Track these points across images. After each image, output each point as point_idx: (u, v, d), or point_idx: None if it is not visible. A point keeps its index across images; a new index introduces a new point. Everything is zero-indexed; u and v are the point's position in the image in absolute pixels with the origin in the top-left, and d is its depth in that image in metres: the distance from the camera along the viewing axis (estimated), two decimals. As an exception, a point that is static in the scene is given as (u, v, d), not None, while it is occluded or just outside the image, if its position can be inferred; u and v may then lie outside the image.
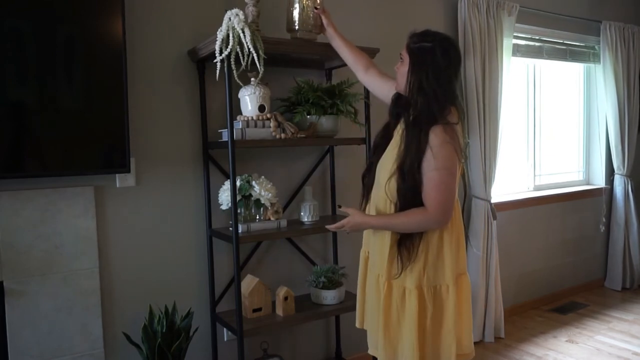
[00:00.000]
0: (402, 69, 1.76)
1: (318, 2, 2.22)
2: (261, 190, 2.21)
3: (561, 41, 3.91)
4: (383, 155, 1.81)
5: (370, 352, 1.88)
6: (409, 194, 1.68)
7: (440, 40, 1.72)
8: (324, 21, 2.22)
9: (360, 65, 2.14)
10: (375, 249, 1.84)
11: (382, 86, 2.05)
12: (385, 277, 1.76)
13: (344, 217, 1.87)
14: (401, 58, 1.78)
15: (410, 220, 1.69)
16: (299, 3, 2.19)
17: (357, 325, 1.99)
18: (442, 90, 1.69)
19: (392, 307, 1.75)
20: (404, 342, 1.73)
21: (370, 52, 2.37)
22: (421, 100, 1.68)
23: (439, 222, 1.69)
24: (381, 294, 1.76)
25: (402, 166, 1.68)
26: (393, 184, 1.71)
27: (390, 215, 1.73)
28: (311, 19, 2.20)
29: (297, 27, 2.21)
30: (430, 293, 1.73)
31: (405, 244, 1.71)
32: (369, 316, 1.88)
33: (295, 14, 2.20)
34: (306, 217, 2.42)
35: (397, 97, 1.86)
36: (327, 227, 1.90)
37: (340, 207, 1.96)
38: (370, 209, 1.86)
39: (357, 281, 1.99)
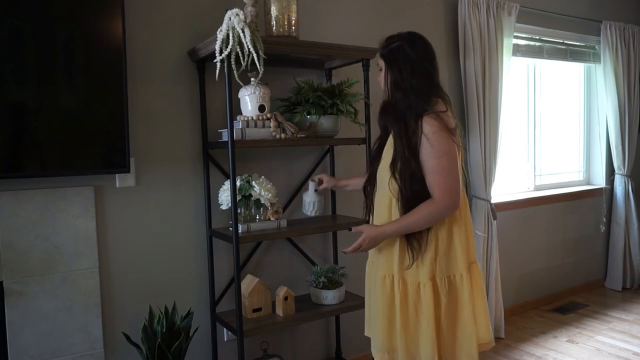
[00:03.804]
0: (381, 76, 1.81)
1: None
2: (261, 190, 2.21)
3: (561, 41, 3.90)
4: (381, 161, 1.81)
5: (377, 357, 1.83)
6: (408, 183, 1.68)
7: (405, 37, 1.76)
8: (333, 185, 2.33)
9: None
10: (381, 250, 1.81)
11: None
12: (399, 275, 1.74)
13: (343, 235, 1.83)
14: (380, 68, 1.82)
15: (422, 214, 1.68)
16: (272, 10, 2.19)
17: (367, 333, 1.96)
18: (420, 82, 1.70)
19: (408, 304, 1.74)
20: (424, 336, 1.72)
21: (369, 52, 2.37)
22: (399, 95, 1.71)
23: (449, 208, 1.69)
24: (395, 294, 1.75)
25: (395, 157, 1.70)
26: (395, 179, 1.72)
27: (401, 219, 1.71)
28: (286, 23, 2.20)
29: (274, 33, 2.21)
30: (444, 283, 1.72)
31: (415, 236, 1.71)
32: (374, 321, 1.83)
33: (272, 21, 2.20)
34: (309, 211, 2.39)
35: (382, 107, 1.85)
36: (344, 250, 1.84)
37: (350, 229, 1.91)
38: (375, 213, 1.86)
39: (365, 289, 1.97)
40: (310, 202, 2.38)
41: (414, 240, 1.71)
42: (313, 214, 2.40)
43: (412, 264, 1.72)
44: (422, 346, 1.72)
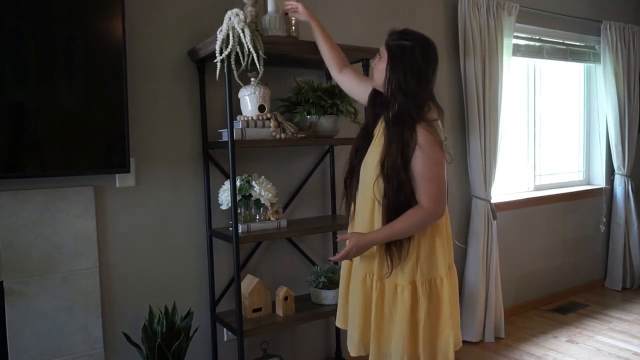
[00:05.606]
0: (380, 66, 1.76)
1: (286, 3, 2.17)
2: (261, 190, 2.21)
3: (561, 41, 3.90)
4: (366, 156, 1.81)
5: (352, 353, 1.85)
6: (393, 192, 1.68)
7: (419, 40, 1.72)
8: (302, 17, 2.13)
9: (337, 63, 2.11)
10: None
11: (358, 86, 2.04)
12: (377, 277, 1.76)
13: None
14: (379, 54, 1.78)
15: (411, 221, 1.69)
16: (269, 11, 2.19)
17: (338, 324, 2.00)
18: (422, 90, 1.70)
19: (384, 305, 1.76)
20: (396, 336, 1.74)
21: (369, 52, 2.37)
22: (401, 98, 1.69)
23: (436, 214, 1.71)
24: (373, 293, 1.77)
25: (385, 163, 1.69)
26: (381, 183, 1.71)
27: (389, 226, 1.71)
28: (279, 22, 2.17)
29: (268, 33, 2.19)
30: (425, 287, 1.74)
31: (395, 244, 1.72)
32: (352, 317, 1.86)
33: (263, 21, 2.20)
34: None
35: (374, 96, 1.85)
36: (331, 258, 1.87)
37: (337, 238, 1.92)
38: (357, 215, 1.86)
39: (340, 284, 2.00)
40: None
41: (393, 248, 1.72)
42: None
43: (391, 272, 1.73)
44: (394, 346, 1.75)
